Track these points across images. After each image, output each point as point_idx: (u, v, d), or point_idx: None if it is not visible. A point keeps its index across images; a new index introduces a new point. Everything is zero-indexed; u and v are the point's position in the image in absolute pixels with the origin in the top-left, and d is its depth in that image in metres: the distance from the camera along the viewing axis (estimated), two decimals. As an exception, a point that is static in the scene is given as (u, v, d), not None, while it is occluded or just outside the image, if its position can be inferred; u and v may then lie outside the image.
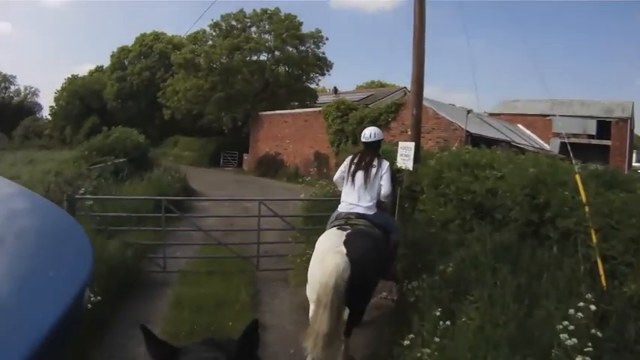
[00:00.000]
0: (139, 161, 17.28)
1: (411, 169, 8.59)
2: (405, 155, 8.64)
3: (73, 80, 56.87)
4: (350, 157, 6.17)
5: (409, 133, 9.61)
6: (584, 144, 33.14)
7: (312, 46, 37.67)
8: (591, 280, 4.87)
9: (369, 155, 6.03)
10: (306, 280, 7.59)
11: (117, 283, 6.74)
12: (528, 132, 36.58)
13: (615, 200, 5.17)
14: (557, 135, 35.97)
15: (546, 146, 33.45)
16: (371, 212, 5.75)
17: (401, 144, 8.94)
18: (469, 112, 22.27)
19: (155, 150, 33.23)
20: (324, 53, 38.09)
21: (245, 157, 35.52)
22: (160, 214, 8.28)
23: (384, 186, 5.90)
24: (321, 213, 9.21)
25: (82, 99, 53.39)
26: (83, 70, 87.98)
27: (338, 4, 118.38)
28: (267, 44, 36.43)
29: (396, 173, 8.34)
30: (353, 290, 4.66)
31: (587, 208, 5.17)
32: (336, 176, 6.31)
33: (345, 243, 4.94)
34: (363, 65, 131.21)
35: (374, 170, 5.88)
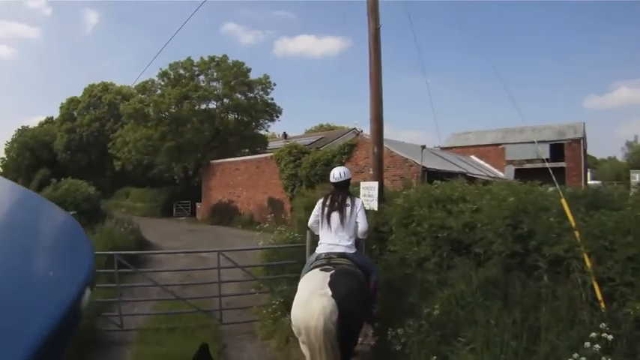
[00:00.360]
0: (90, 213, 16.81)
1: (376, 209, 8.40)
2: (369, 195, 8.48)
3: (23, 132, 55.91)
4: (321, 200, 6.12)
5: (371, 172, 9.47)
6: (538, 168, 33.73)
7: (261, 93, 38.01)
8: (590, 306, 4.75)
9: (341, 194, 5.99)
10: (274, 331, 7.38)
11: (70, 344, 6.24)
12: (482, 162, 37.18)
13: (607, 221, 5.00)
14: (511, 162, 36.76)
15: (501, 174, 34.11)
16: (351, 251, 5.69)
17: (363, 184, 8.79)
18: (423, 147, 22.45)
19: (107, 202, 33.53)
20: (272, 99, 38.55)
21: (198, 205, 35.17)
22: (113, 269, 7.88)
23: (361, 223, 5.88)
24: (282, 261, 9.07)
25: (32, 150, 52.75)
26: (34, 121, 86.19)
27: (283, 51, 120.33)
28: (215, 92, 36.52)
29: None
30: (342, 330, 4.59)
31: (577, 233, 5.05)
32: (311, 221, 6.21)
33: (331, 284, 4.85)
34: (311, 110, 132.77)
35: (348, 209, 5.84)
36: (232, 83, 36.09)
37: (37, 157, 52.10)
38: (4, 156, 58.01)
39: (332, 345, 4.51)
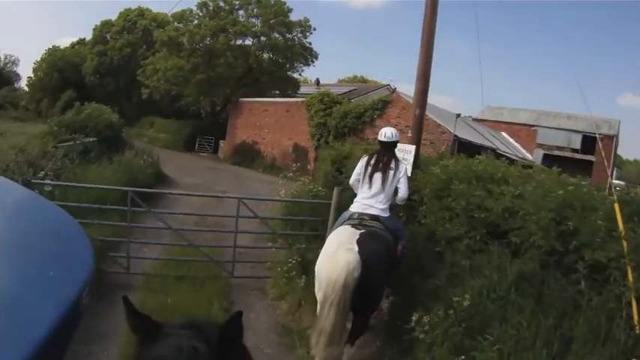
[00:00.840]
0: (110, 141, 16.37)
1: (409, 174, 7.85)
2: (403, 159, 7.87)
3: (53, 52, 54.43)
4: (365, 158, 5.91)
5: (409, 135, 8.82)
6: (567, 157, 32.98)
7: (299, 35, 36.93)
8: (626, 324, 4.24)
9: (387, 156, 5.82)
10: (286, 293, 6.98)
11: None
12: (512, 140, 36.31)
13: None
14: (541, 146, 35.80)
15: (529, 156, 33.32)
16: (385, 215, 5.56)
17: (400, 146, 8.19)
18: (458, 116, 21.77)
19: (130, 130, 33.07)
20: (310, 43, 37.48)
21: (221, 143, 34.66)
22: (126, 207, 7.41)
23: (402, 189, 5.79)
24: (303, 216, 8.67)
25: (61, 71, 51.57)
26: (65, 42, 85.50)
27: None
28: (253, 29, 35.43)
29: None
30: (361, 292, 4.61)
31: (624, 242, 4.45)
32: (352, 179, 6.05)
33: (359, 242, 4.86)
34: (346, 59, 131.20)
35: (392, 173, 5.70)
36: (272, 22, 35.06)
37: (65, 78, 51.00)
38: (32, 75, 57.29)
39: (344, 302, 4.51)
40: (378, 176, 5.63)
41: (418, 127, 8.69)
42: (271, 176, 21.15)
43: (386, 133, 5.93)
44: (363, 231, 5.11)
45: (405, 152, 8.09)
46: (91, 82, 48.20)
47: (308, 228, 8.37)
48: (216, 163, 28.84)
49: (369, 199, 5.59)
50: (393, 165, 5.73)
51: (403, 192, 5.79)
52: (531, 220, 5.27)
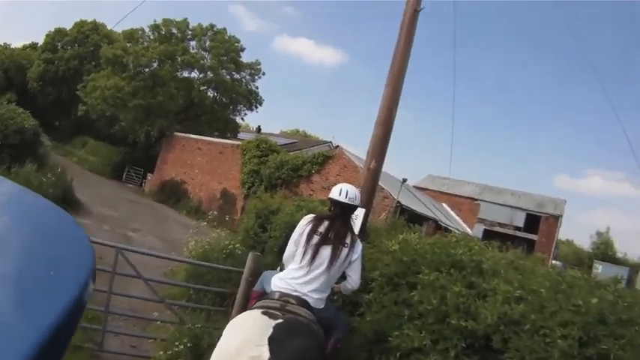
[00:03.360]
0: (17, 149, 14.98)
1: None
2: None
3: (3, 49, 53.09)
4: (310, 222, 4.20)
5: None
6: (509, 234, 32.31)
7: (248, 77, 36.66)
8: None
9: (343, 227, 4.19)
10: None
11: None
12: (453, 213, 35.59)
13: None
14: (483, 221, 35.20)
15: (469, 231, 32.25)
16: (319, 306, 3.93)
17: None
18: (404, 181, 20.57)
19: (62, 146, 33.89)
20: (257, 87, 37.27)
21: (149, 177, 33.36)
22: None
23: (354, 278, 4.26)
24: (205, 285, 7.22)
25: (6, 71, 50.21)
26: (18, 43, 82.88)
27: (281, 48, 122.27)
28: (202, 61, 34.88)
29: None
30: None
31: None
32: (287, 253, 4.24)
33: (272, 341, 3.22)
34: (289, 112, 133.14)
35: (345, 252, 4.07)
36: (222, 58, 34.50)
37: (9, 79, 49.45)
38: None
39: None
40: (325, 251, 4.00)
41: (370, 185, 6.97)
42: (195, 220, 19.62)
43: (348, 191, 4.30)
44: (280, 322, 3.42)
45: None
46: (33, 88, 46.69)
47: (211, 300, 7.02)
48: (139, 197, 27.77)
49: (303, 281, 3.93)
50: (348, 240, 4.12)
51: (354, 281, 4.27)
52: (545, 336, 3.67)
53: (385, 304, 4.93)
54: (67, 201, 14.97)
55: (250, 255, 5.79)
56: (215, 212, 19.17)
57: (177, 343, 5.63)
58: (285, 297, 3.84)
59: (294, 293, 3.87)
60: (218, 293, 6.89)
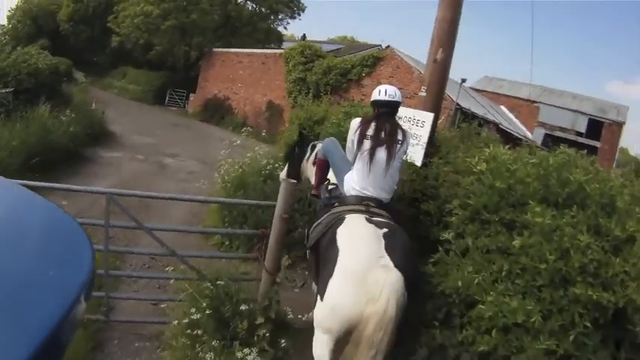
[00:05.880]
0: (31, 93, 13.59)
1: (419, 163, 4.83)
2: (414, 135, 4.83)
3: (29, -1, 52.90)
4: (358, 127, 4.04)
5: (423, 93, 5.28)
6: (570, 140, 30.16)
7: None
8: None
9: (389, 123, 4.02)
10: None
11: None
12: (511, 116, 33.25)
13: None
14: (543, 125, 33.01)
15: (529, 134, 30.33)
16: (391, 205, 4.03)
17: (405, 112, 5.05)
18: (463, 81, 18.58)
19: (102, 80, 33.79)
20: None
21: (191, 97, 32.40)
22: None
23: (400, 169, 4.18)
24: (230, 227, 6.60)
25: (35, 19, 48.74)
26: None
27: None
28: (236, -29, 32.86)
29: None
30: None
31: None
32: (339, 161, 4.20)
33: (387, 249, 3.18)
34: (335, 19, 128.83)
35: (398, 147, 3.97)
36: None
37: (40, 26, 48.17)
38: (6, 23, 53.50)
39: (392, 340, 2.93)
40: (381, 152, 3.89)
41: (439, 81, 5.24)
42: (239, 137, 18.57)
43: (387, 90, 4.09)
44: (385, 231, 3.36)
45: (417, 122, 5.02)
46: (65, 30, 45.31)
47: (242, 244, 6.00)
48: (182, 119, 26.88)
49: (372, 184, 3.88)
50: (400, 135, 3.98)
51: (400, 172, 4.22)
52: None
53: (472, 254, 3.58)
54: (95, 135, 14.75)
55: (284, 184, 4.34)
56: (247, 129, 18.05)
57: (193, 310, 4.16)
58: (365, 200, 3.82)
59: (370, 194, 3.85)
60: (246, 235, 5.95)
